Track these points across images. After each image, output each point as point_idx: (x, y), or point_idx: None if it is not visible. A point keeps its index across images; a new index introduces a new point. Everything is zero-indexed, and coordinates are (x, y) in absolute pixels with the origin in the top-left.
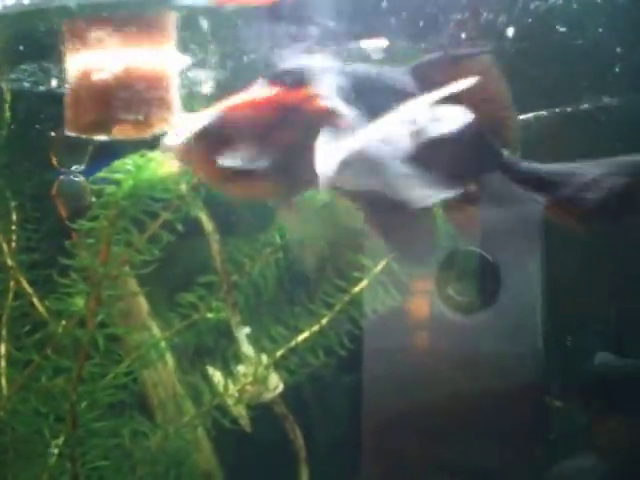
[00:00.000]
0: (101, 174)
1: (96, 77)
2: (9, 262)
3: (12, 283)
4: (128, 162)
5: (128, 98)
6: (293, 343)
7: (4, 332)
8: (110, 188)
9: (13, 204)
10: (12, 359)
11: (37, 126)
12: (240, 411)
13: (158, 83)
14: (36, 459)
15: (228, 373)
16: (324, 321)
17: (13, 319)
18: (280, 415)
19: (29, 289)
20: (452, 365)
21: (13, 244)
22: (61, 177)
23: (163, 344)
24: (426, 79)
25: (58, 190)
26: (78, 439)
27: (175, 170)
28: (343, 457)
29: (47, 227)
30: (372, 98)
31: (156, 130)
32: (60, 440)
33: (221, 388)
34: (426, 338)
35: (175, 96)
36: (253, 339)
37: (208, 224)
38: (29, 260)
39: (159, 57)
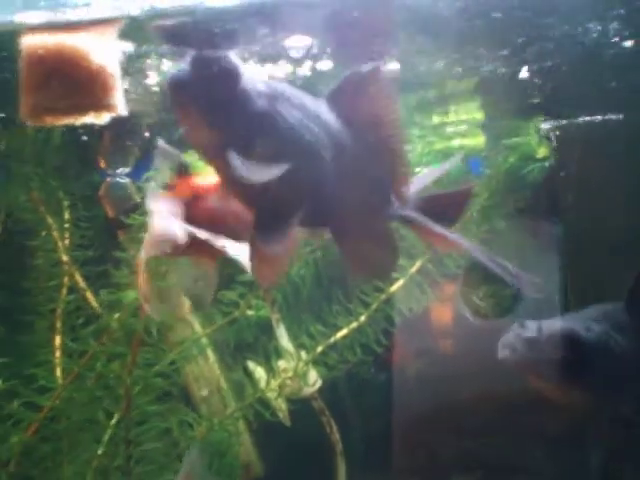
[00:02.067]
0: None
1: (27, 64)
2: (64, 258)
3: (66, 278)
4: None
5: (57, 83)
6: (332, 340)
7: (59, 325)
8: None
9: (66, 204)
10: (67, 350)
11: (85, 129)
12: (280, 405)
13: (96, 71)
14: (90, 444)
15: (269, 368)
16: (362, 319)
17: (67, 312)
18: (318, 410)
19: (82, 284)
20: (475, 365)
21: (67, 241)
22: (108, 179)
23: (204, 340)
24: (339, 105)
25: (105, 191)
26: (132, 422)
27: None
28: (377, 451)
29: (98, 226)
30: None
31: (92, 117)
32: (114, 423)
33: (262, 383)
34: (450, 340)
35: (116, 83)
36: (292, 336)
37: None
38: (82, 256)
39: (99, 46)
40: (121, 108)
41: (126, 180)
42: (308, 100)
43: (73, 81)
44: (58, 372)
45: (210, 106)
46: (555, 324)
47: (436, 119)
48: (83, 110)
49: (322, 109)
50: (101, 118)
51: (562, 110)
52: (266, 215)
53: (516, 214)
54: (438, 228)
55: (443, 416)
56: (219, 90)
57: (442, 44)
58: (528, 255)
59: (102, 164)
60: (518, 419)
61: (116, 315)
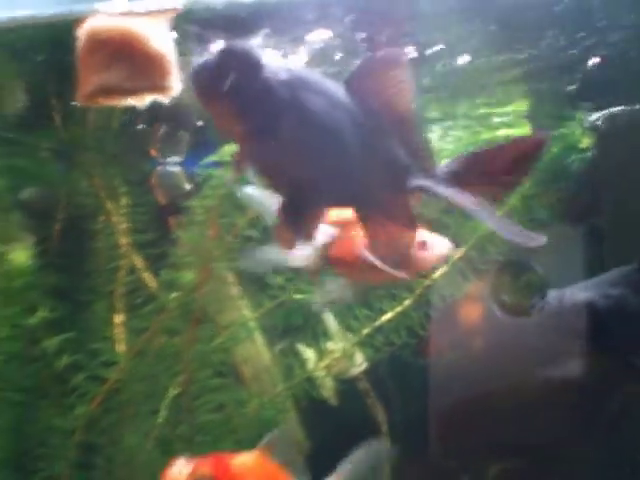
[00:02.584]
0: (213, 157)
1: (89, 45)
2: (122, 241)
3: (125, 260)
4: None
5: (121, 64)
6: (377, 323)
7: (119, 304)
8: (219, 171)
9: (123, 190)
10: (129, 327)
11: (140, 119)
12: (327, 385)
13: (157, 55)
14: (151, 415)
15: (317, 350)
16: (406, 303)
17: (126, 292)
18: (363, 391)
19: (140, 265)
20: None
21: (125, 225)
22: (159, 167)
23: (252, 323)
24: (358, 87)
25: (156, 179)
26: (191, 395)
27: None
28: (416, 433)
29: (151, 211)
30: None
31: (152, 94)
32: (174, 395)
33: (310, 363)
34: (481, 332)
35: (173, 68)
36: (339, 319)
37: None
38: (140, 239)
39: (157, 32)
40: (177, 91)
41: (177, 169)
42: (328, 84)
43: (136, 63)
44: (120, 347)
45: (234, 95)
46: (575, 294)
47: (482, 109)
48: (143, 91)
49: (341, 92)
50: (158, 99)
51: (609, 101)
52: (295, 200)
53: (558, 204)
54: (458, 197)
55: (481, 402)
56: (242, 79)
57: (490, 34)
58: (569, 246)
59: (154, 153)
60: (554, 406)
61: (174, 294)
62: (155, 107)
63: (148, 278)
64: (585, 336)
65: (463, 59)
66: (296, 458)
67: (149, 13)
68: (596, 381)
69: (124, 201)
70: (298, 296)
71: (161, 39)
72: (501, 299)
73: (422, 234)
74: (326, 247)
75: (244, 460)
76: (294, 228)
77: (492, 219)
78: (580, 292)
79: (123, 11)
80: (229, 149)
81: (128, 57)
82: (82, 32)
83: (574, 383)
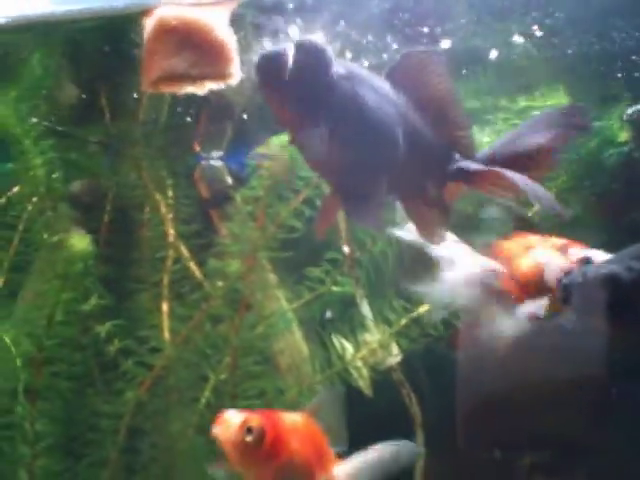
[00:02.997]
0: (259, 149)
1: (158, 33)
2: (170, 231)
3: (171, 250)
4: (282, 139)
5: (189, 52)
6: (414, 314)
7: (166, 292)
8: (267, 163)
9: (170, 182)
10: (174, 315)
11: (185, 112)
12: (363, 375)
13: (221, 42)
14: (196, 400)
15: (353, 341)
16: None
17: (173, 281)
18: (398, 382)
19: (186, 255)
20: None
21: (171, 216)
22: (202, 162)
23: (291, 314)
24: (399, 81)
25: (199, 173)
26: (236, 381)
27: None
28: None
29: (196, 203)
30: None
31: (214, 81)
32: (218, 381)
33: (347, 354)
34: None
35: (233, 51)
36: (375, 310)
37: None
38: (186, 230)
39: (221, 21)
40: (237, 78)
41: (219, 163)
42: (375, 78)
43: (202, 51)
44: (166, 335)
45: (307, 88)
46: (598, 268)
47: (522, 103)
48: (207, 78)
49: (387, 86)
50: (220, 85)
51: None
52: (357, 191)
53: (594, 198)
54: (503, 173)
55: (514, 394)
56: (317, 73)
57: (529, 28)
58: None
59: (197, 148)
60: (586, 399)
61: (219, 283)
62: (198, 103)
63: (193, 267)
64: (608, 309)
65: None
66: (339, 424)
67: (212, 3)
68: (622, 357)
69: (170, 193)
70: (335, 288)
71: (224, 28)
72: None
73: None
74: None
75: (292, 418)
76: (358, 216)
77: (540, 194)
78: (603, 266)
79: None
80: (276, 142)
81: (195, 45)
82: (150, 21)
83: (601, 361)
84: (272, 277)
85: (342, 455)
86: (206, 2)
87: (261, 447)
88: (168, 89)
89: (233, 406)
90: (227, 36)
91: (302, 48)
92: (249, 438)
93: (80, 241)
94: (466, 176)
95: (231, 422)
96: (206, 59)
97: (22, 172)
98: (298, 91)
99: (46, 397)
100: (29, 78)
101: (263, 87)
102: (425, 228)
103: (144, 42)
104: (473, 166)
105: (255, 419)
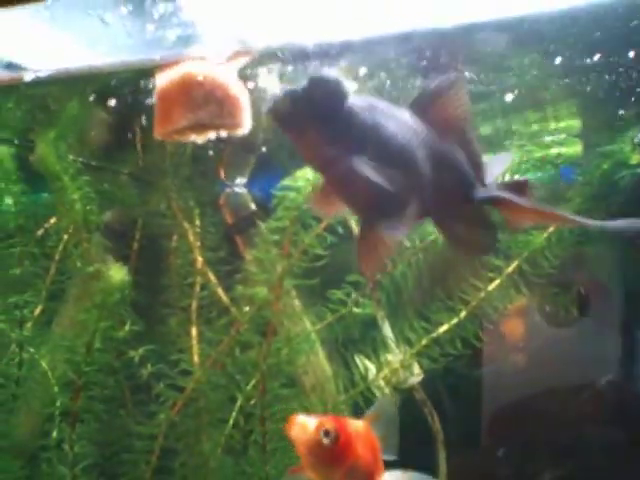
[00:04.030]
0: (286, 182)
1: (183, 86)
2: (198, 259)
3: (199, 277)
4: (307, 172)
5: (213, 106)
6: (434, 334)
7: (194, 317)
8: (292, 194)
9: (197, 211)
10: (204, 339)
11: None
12: (385, 394)
13: (232, 91)
14: (226, 422)
15: (376, 361)
16: (462, 315)
17: (201, 307)
18: (420, 400)
19: (214, 281)
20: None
21: (199, 243)
22: (227, 189)
23: (314, 335)
24: (422, 115)
25: (224, 200)
26: (265, 403)
27: None
28: (471, 441)
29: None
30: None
31: (229, 132)
32: (248, 404)
33: (370, 374)
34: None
35: (247, 103)
36: (397, 331)
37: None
38: (213, 257)
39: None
40: (249, 127)
41: (243, 190)
42: (394, 109)
43: (224, 104)
44: (195, 358)
45: (324, 123)
46: None
47: (534, 128)
48: (225, 128)
49: (407, 116)
50: (233, 134)
51: None
52: (389, 215)
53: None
54: (529, 202)
55: (534, 411)
56: (332, 107)
57: (542, 54)
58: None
59: (222, 176)
60: (609, 414)
61: (247, 308)
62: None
63: (220, 293)
64: None
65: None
66: (391, 432)
67: (224, 59)
68: None
69: (198, 222)
70: (357, 310)
71: (237, 82)
72: (545, 310)
73: None
74: None
75: (356, 424)
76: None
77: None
78: None
79: (201, 57)
80: (301, 174)
81: (218, 99)
82: (170, 74)
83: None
84: (297, 301)
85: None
86: (218, 58)
87: (335, 449)
88: (180, 138)
89: (262, 428)
90: (241, 90)
91: (314, 84)
92: (326, 440)
93: (117, 272)
94: (496, 200)
95: (307, 425)
96: (226, 111)
97: (61, 205)
98: (318, 128)
99: (83, 420)
100: (66, 119)
101: (283, 130)
102: (466, 247)
103: (161, 93)
104: (506, 196)
105: (329, 422)
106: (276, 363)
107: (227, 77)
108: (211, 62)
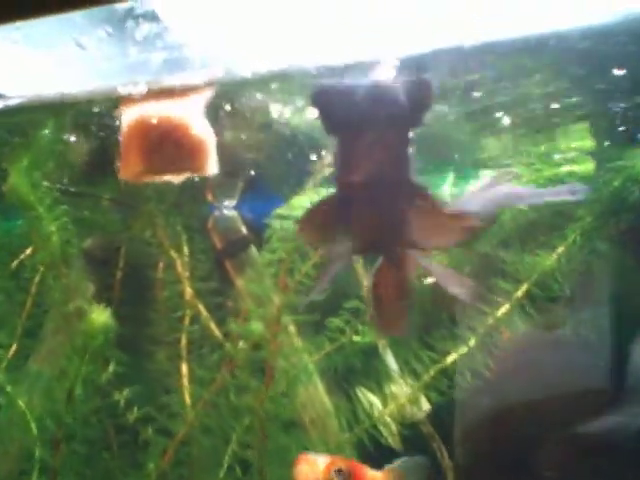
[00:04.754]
0: (280, 211)
1: (139, 130)
2: (187, 290)
3: (189, 310)
4: (304, 199)
5: (169, 149)
6: (441, 365)
7: (184, 353)
8: (287, 224)
9: (184, 238)
10: (195, 378)
11: None
12: (391, 430)
13: (198, 137)
14: (220, 469)
15: (379, 394)
16: (471, 343)
17: (192, 342)
18: (427, 435)
19: (205, 314)
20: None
21: (187, 273)
22: (215, 212)
23: (311, 366)
24: None
25: (213, 224)
26: (263, 450)
27: None
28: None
29: (211, 257)
30: None
31: (191, 174)
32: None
33: (372, 409)
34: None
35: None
36: (401, 361)
37: None
38: (203, 288)
39: (194, 112)
40: (213, 169)
41: (232, 212)
42: None
43: (180, 148)
44: (187, 398)
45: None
46: None
47: (544, 147)
48: (184, 171)
49: None
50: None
51: None
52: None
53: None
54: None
55: (548, 441)
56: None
57: (552, 73)
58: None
59: (210, 198)
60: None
61: (241, 344)
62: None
63: (212, 327)
64: None
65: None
66: None
67: (186, 92)
68: None
69: (186, 249)
70: (357, 338)
71: (200, 122)
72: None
73: None
74: None
75: (374, 474)
76: None
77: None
78: None
79: (163, 90)
80: (297, 202)
81: (174, 142)
82: (129, 116)
83: None
84: (294, 334)
85: None
86: (179, 92)
87: None
88: (146, 179)
89: (261, 475)
90: (203, 130)
91: (416, 84)
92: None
93: (100, 314)
94: None
95: (317, 463)
96: (184, 155)
97: (36, 238)
98: (401, 131)
99: (64, 474)
100: (40, 145)
101: (338, 122)
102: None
103: (122, 134)
104: None
105: (342, 462)
106: (274, 408)
107: (186, 118)
108: (174, 97)
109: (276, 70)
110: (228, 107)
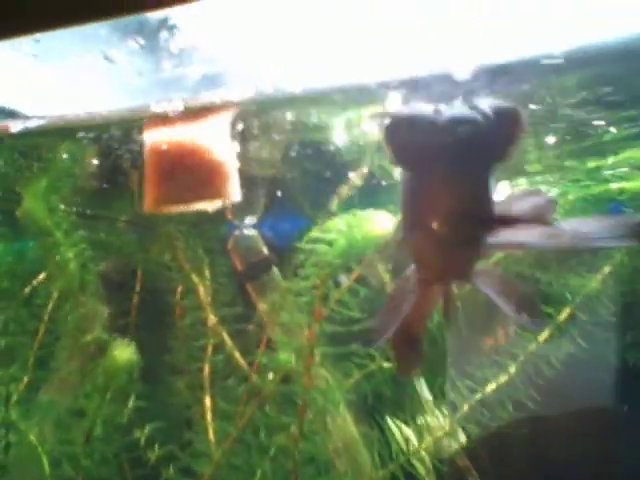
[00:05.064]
0: (314, 234)
1: (153, 157)
2: (210, 316)
3: (212, 338)
4: (340, 222)
5: (182, 176)
6: (479, 395)
7: (208, 385)
8: (322, 247)
9: (206, 261)
10: (220, 412)
11: None
12: (426, 466)
13: (216, 162)
14: None
15: (412, 426)
16: (512, 371)
17: (215, 372)
18: (464, 469)
19: (230, 342)
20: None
21: (209, 298)
22: (236, 232)
23: (339, 396)
24: None
25: (233, 244)
26: None
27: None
28: None
29: (235, 280)
30: None
31: (219, 203)
32: None
33: (406, 443)
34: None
35: (232, 172)
36: (436, 390)
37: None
38: (228, 314)
39: (211, 135)
40: (236, 195)
41: (253, 231)
42: None
43: (195, 174)
44: (210, 434)
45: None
46: None
47: (592, 163)
48: (203, 200)
49: None
50: (217, 205)
51: None
52: None
53: None
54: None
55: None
56: (511, 142)
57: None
58: None
59: (229, 216)
60: None
61: (271, 377)
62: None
63: (237, 357)
64: None
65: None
66: None
67: (205, 113)
68: None
69: (207, 272)
70: (388, 365)
71: (219, 144)
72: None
73: None
74: None
75: None
76: None
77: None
78: None
79: (183, 110)
80: (332, 225)
81: (187, 168)
82: (148, 140)
83: None
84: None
85: None
86: (200, 112)
87: None
88: (166, 210)
89: None
90: (222, 153)
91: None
92: None
93: (123, 351)
94: None
95: None
96: (200, 182)
97: (52, 264)
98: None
99: None
100: (59, 168)
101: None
102: None
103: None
104: None
105: None
106: (310, 447)
107: (201, 141)
108: (191, 119)
109: (309, 89)
110: (256, 125)
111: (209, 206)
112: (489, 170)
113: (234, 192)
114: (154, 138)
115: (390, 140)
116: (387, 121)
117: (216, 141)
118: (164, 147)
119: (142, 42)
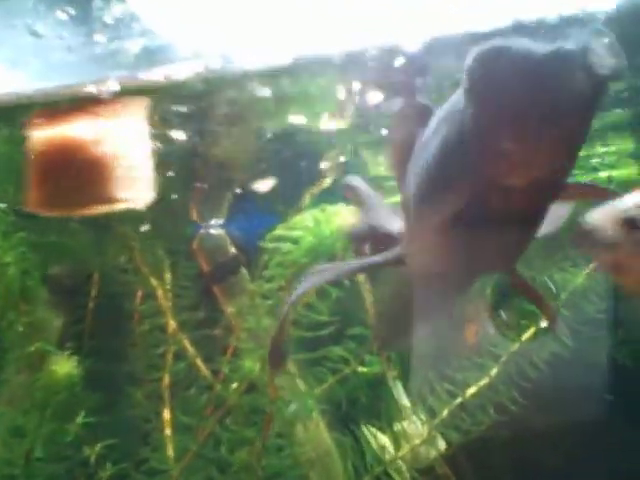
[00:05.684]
0: (278, 232)
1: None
2: (170, 322)
3: (172, 345)
4: (307, 218)
5: (68, 178)
6: (460, 399)
7: (167, 395)
8: (287, 246)
9: (167, 262)
10: (179, 426)
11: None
12: (405, 477)
13: (107, 163)
14: None
15: (387, 432)
16: (492, 374)
17: (175, 382)
18: (443, 477)
19: (192, 350)
20: None
21: (170, 303)
22: (201, 231)
23: (311, 402)
24: None
25: (199, 244)
26: None
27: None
28: None
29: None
30: None
31: (108, 209)
32: None
33: (382, 451)
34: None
35: (142, 173)
36: (413, 395)
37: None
38: (189, 319)
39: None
40: (143, 200)
41: (220, 231)
42: None
43: (82, 174)
44: (170, 450)
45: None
46: None
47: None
48: (94, 204)
49: None
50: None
51: None
52: None
53: None
54: None
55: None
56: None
57: None
58: None
59: (195, 216)
60: None
61: (234, 386)
62: (195, 169)
63: (199, 365)
64: None
65: None
66: None
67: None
68: None
69: (168, 276)
70: (363, 369)
71: (124, 140)
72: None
73: None
74: None
75: None
76: None
77: None
78: None
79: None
80: (299, 221)
81: (75, 168)
82: (34, 136)
83: None
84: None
85: None
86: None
87: None
88: (52, 213)
89: None
90: (125, 150)
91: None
92: None
93: (63, 365)
94: None
95: None
96: (91, 183)
97: None
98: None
99: None
100: None
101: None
102: None
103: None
104: None
105: None
106: (276, 464)
107: (98, 136)
108: (92, 110)
109: (264, 65)
110: (216, 108)
111: (101, 210)
112: (589, 125)
113: (140, 195)
114: (42, 131)
115: (476, 73)
116: (477, 49)
117: (119, 137)
118: (51, 142)
119: (72, 12)
